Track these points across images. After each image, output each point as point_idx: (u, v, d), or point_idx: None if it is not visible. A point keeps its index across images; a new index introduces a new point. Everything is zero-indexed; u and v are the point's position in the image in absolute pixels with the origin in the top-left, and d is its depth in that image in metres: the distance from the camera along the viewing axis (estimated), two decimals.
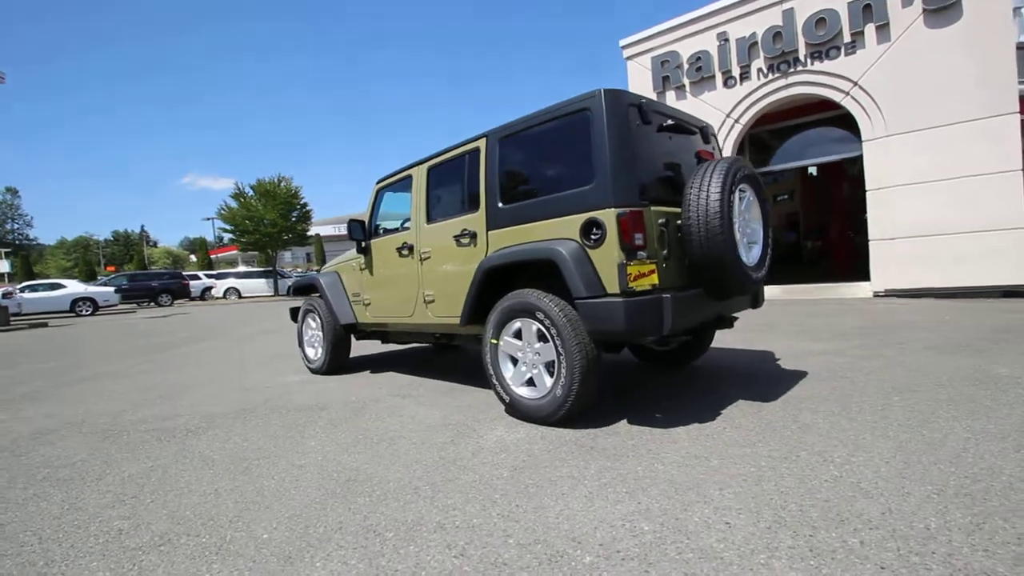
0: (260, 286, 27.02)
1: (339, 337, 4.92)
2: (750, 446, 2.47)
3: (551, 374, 2.93)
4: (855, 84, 7.19)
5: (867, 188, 7.39)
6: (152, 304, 22.96)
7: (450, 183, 3.73)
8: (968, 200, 6.47)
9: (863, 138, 7.37)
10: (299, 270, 39.12)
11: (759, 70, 7.90)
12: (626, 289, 2.57)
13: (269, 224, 25.15)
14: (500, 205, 3.19)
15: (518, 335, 3.09)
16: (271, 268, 28.13)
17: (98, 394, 4.81)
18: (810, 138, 8.21)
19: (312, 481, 2.43)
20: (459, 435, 2.92)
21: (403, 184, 4.19)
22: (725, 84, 8.23)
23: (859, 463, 2.21)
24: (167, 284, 23.68)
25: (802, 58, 7.53)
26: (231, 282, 26.78)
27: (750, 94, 8.05)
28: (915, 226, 6.88)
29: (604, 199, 2.65)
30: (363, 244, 4.45)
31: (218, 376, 5.34)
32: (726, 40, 8.11)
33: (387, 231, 4.49)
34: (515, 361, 3.15)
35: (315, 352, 5.21)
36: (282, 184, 26.18)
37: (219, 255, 49.81)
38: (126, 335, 10.89)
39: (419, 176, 3.88)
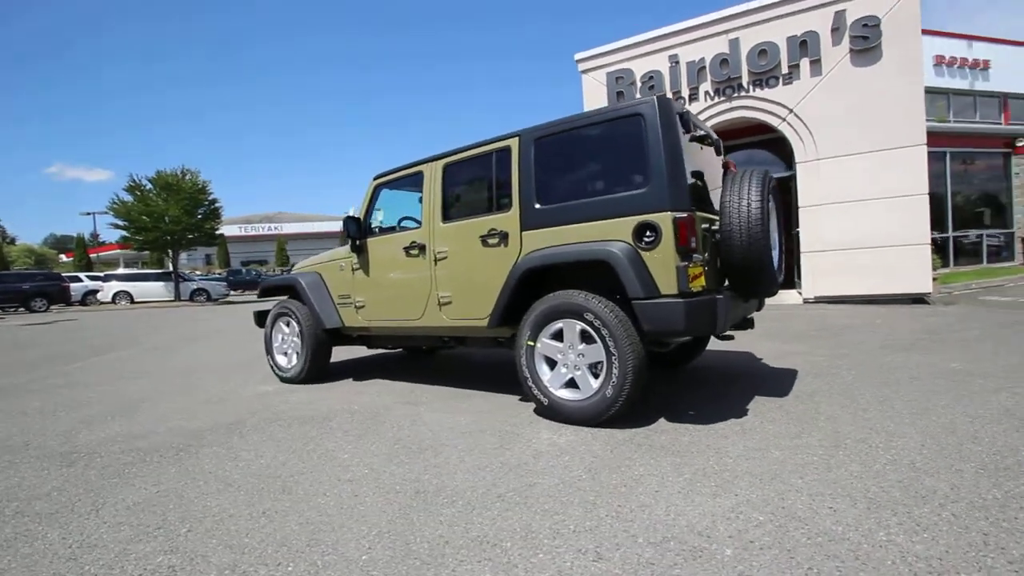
0: (157, 290, 24.28)
1: (320, 342, 4.57)
2: (796, 437, 2.64)
3: (595, 375, 2.94)
4: (791, 111, 8.03)
5: (800, 205, 8.27)
6: (22, 309, 19.83)
7: (473, 181, 3.63)
8: (884, 219, 7.46)
9: (797, 160, 8.23)
10: (198, 272, 35.75)
11: (706, 92, 8.55)
12: (684, 290, 2.65)
13: (171, 221, 22.72)
14: (537, 206, 3.15)
15: (557, 336, 3.07)
16: (169, 270, 25.42)
17: (22, 413, 4.07)
18: (749, 159, 8.99)
19: (374, 495, 2.23)
20: (505, 440, 2.83)
21: (409, 181, 4.01)
22: None
23: (900, 447, 2.44)
24: (42, 286, 20.54)
25: (745, 84, 8.26)
26: (122, 285, 23.81)
27: (698, 114, 8.67)
28: (840, 240, 7.80)
29: (659, 203, 2.72)
30: (357, 243, 4.18)
31: (168, 389, 4.74)
32: (677, 62, 8.69)
33: (384, 230, 4.27)
34: (551, 363, 3.12)
35: (288, 360, 4.80)
36: (187, 177, 23.80)
37: (99, 255, 44.24)
38: (11, 344, 9.31)
39: (433, 173, 3.73)
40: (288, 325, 4.79)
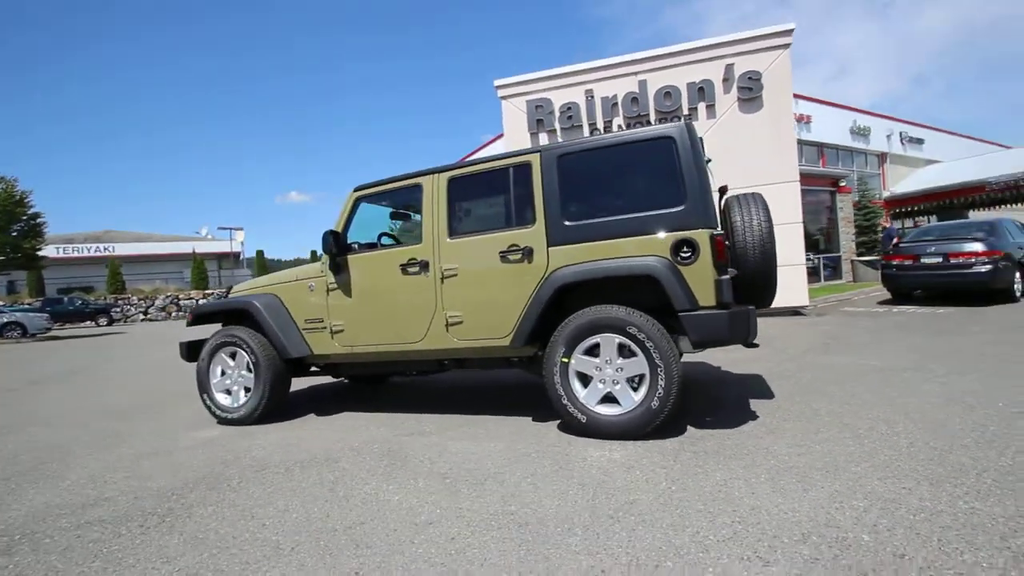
0: None
1: (279, 375, 4.01)
2: (817, 432, 2.91)
3: (634, 389, 2.98)
4: None
5: None
6: None
7: (485, 196, 3.52)
8: None
9: None
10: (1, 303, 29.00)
11: (619, 126, 9.30)
12: (724, 301, 2.83)
13: None
14: (565, 222, 3.15)
15: (590, 352, 3.06)
16: None
17: None
18: None
19: (475, 534, 2.01)
20: (560, 462, 2.73)
21: (401, 194, 3.76)
22: (591, 133, 9.42)
23: (905, 432, 2.81)
24: None
25: (653, 121, 9.16)
26: None
27: None
28: None
29: (696, 220, 2.89)
30: (336, 260, 3.77)
31: (71, 443, 3.79)
32: (592, 97, 9.34)
33: (364, 246, 3.92)
34: (583, 379, 3.10)
35: (233, 398, 4.11)
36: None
37: None
38: None
39: (435, 186, 3.53)
40: (233, 357, 4.11)
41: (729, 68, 8.64)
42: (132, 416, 4.59)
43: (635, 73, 9.09)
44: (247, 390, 4.08)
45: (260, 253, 36.29)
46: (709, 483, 2.33)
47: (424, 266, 3.51)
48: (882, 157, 20.16)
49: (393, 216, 4.38)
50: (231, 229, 40.02)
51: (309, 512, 2.33)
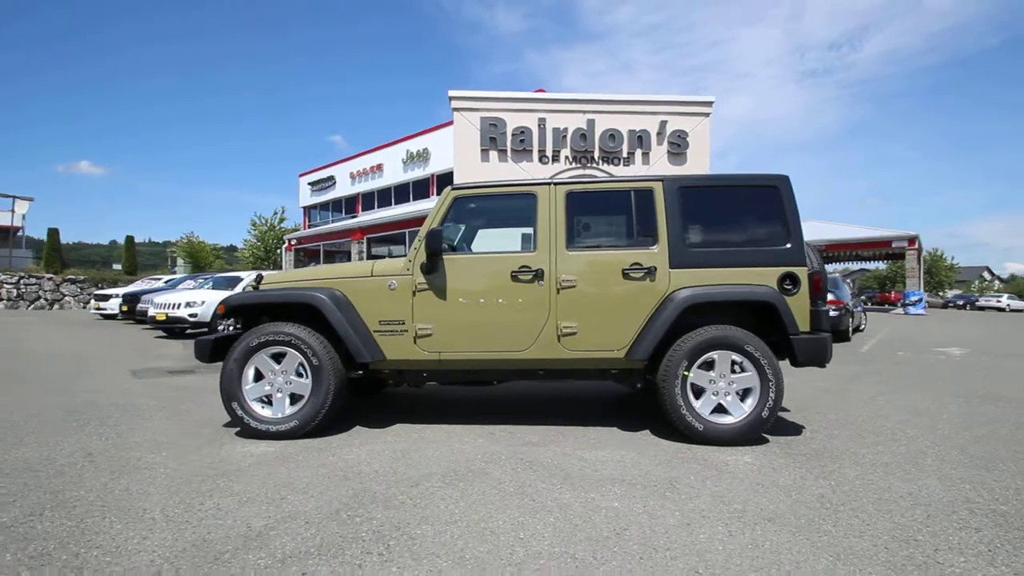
0: None
1: (343, 381, 3.59)
2: (868, 437, 3.64)
3: (742, 400, 3.41)
4: None
5: None
6: None
7: (603, 213, 3.68)
8: None
9: None
10: None
11: (566, 156, 9.97)
12: (820, 328, 3.43)
13: None
14: (688, 248, 3.48)
15: (704, 366, 3.42)
16: None
17: None
18: None
19: (745, 531, 2.20)
20: (709, 466, 2.99)
21: (508, 199, 3.73)
22: (540, 160, 9.92)
23: (924, 429, 3.68)
24: None
25: (596, 158, 10.02)
26: None
27: (557, 174, 9.99)
28: None
29: (799, 259, 3.47)
30: (431, 259, 3.55)
31: (51, 463, 2.88)
32: (544, 126, 9.87)
33: (454, 247, 3.76)
34: (696, 391, 3.43)
35: (276, 408, 3.55)
36: None
37: None
38: None
39: (552, 197, 3.58)
40: (280, 360, 3.54)
41: (663, 124, 9.95)
42: (64, 427, 3.58)
43: (584, 112, 9.91)
44: (294, 398, 3.53)
45: (54, 232, 28.40)
46: (852, 477, 2.83)
47: (539, 275, 3.51)
48: None
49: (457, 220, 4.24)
50: (13, 198, 31.16)
51: (549, 523, 2.25)
